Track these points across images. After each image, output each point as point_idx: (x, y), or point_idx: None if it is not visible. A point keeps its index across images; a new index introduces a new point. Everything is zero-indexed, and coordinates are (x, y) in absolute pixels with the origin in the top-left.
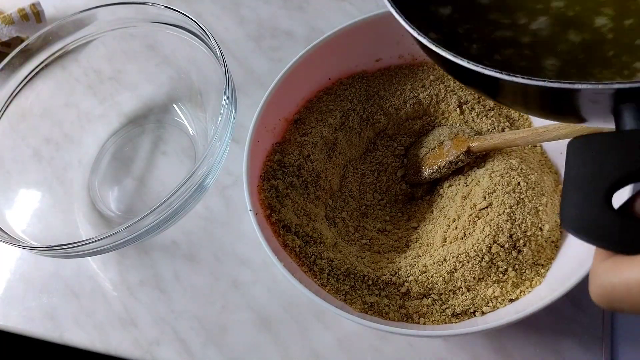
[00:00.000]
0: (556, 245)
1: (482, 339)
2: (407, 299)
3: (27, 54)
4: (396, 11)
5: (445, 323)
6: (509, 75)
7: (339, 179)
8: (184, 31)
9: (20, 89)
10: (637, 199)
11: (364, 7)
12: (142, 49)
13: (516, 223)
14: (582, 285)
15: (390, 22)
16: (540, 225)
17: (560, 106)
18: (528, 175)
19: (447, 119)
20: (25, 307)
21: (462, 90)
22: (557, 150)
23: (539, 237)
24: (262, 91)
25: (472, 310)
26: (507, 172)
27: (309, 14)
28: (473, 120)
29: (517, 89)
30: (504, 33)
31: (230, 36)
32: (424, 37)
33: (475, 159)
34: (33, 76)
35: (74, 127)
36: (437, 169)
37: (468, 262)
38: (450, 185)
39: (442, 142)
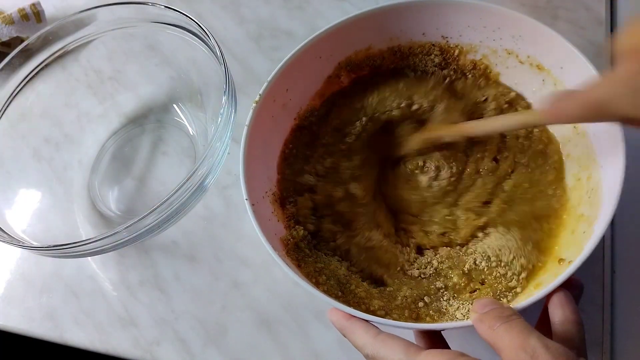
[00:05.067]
0: None
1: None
2: None
3: (27, 54)
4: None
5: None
6: None
7: None
8: (184, 31)
9: (20, 89)
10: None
11: (363, 7)
12: (142, 49)
13: None
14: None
15: (385, 17)
16: None
17: None
18: None
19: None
20: (25, 307)
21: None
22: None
23: None
24: None
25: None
26: None
27: (309, 14)
28: None
29: None
30: None
31: (230, 36)
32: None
33: None
34: (33, 76)
35: (74, 127)
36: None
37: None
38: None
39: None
